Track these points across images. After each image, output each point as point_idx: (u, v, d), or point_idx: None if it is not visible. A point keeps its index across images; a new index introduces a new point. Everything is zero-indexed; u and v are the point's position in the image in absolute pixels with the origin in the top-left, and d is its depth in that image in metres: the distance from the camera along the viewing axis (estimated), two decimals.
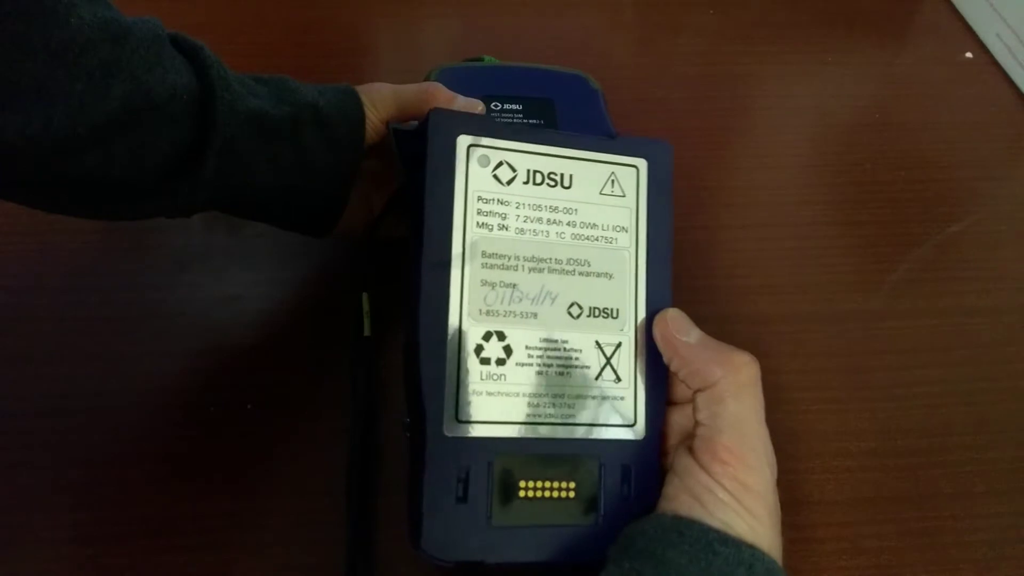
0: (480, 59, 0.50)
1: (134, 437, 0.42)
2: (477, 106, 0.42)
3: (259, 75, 0.41)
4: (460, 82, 0.43)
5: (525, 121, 0.43)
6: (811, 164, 0.57)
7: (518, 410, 0.34)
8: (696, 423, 0.32)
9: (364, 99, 0.42)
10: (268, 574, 0.38)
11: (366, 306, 0.44)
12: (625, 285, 0.36)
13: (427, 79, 0.45)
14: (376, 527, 0.39)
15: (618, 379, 0.35)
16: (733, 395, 0.32)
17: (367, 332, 0.44)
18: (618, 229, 0.36)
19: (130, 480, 0.40)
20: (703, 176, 0.56)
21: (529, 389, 0.34)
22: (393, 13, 0.66)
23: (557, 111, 0.44)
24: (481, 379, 0.33)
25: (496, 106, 0.43)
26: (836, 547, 0.40)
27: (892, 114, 0.61)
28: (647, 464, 0.34)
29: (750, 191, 0.55)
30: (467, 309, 0.34)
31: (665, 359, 0.34)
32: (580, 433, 0.34)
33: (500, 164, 0.35)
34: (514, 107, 0.44)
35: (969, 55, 0.66)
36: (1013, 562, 0.40)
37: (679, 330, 0.34)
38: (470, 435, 0.33)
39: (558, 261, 0.35)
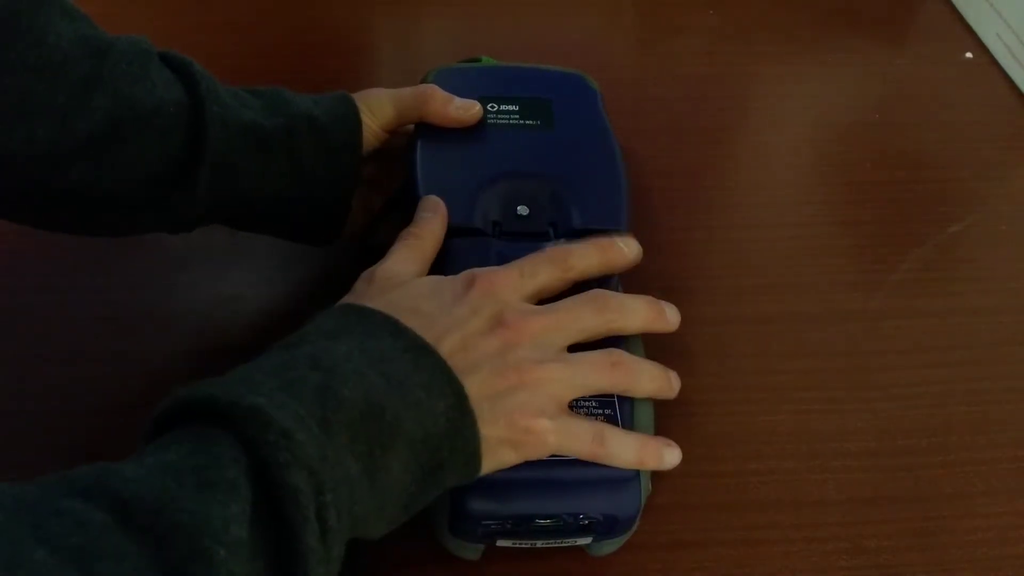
0: (478, 60, 0.50)
1: (135, 437, 0.42)
2: (473, 107, 0.42)
3: (255, 88, 0.41)
4: (457, 83, 0.43)
5: (522, 122, 0.43)
6: (811, 163, 0.57)
7: None
8: None
9: (361, 105, 0.42)
10: None
11: None
12: None
13: (424, 80, 0.45)
14: None
15: None
16: None
17: None
18: None
19: None
20: (703, 176, 0.56)
21: None
22: (393, 13, 0.66)
23: (555, 112, 0.44)
24: None
25: (493, 107, 0.43)
26: (836, 547, 0.40)
27: (892, 114, 0.61)
28: None
29: (750, 191, 0.55)
30: None
31: None
32: None
33: None
34: (511, 108, 0.44)
35: (969, 55, 0.65)
36: (1013, 562, 0.39)
37: None
38: None
39: None
